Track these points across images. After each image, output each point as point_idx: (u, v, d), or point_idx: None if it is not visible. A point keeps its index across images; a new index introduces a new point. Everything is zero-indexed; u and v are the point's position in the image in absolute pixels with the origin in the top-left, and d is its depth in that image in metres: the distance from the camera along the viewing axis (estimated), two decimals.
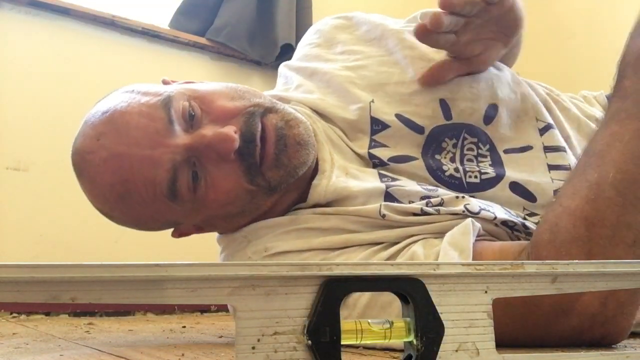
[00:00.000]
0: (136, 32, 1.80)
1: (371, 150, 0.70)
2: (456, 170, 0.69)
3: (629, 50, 0.59)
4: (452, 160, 0.70)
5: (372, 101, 0.72)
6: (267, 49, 1.94)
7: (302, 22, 1.99)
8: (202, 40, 1.91)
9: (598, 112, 0.84)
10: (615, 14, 1.96)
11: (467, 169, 0.69)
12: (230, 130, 0.61)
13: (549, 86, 0.85)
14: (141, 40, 1.82)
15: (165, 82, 0.71)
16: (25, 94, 1.60)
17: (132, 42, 1.80)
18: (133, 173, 0.60)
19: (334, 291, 0.32)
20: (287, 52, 1.87)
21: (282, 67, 0.86)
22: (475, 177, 0.69)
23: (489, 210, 0.63)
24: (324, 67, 0.78)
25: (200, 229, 0.71)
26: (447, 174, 0.69)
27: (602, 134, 0.55)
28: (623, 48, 0.60)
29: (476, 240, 0.59)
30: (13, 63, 1.60)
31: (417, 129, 0.71)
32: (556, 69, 2.05)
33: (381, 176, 0.68)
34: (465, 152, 0.71)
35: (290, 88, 0.80)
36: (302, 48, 0.85)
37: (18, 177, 1.55)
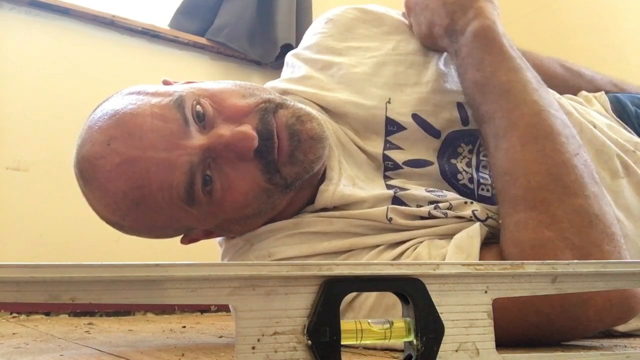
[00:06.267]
0: (136, 32, 1.80)
1: (386, 152, 0.69)
2: (470, 180, 0.68)
3: (466, 84, 0.67)
4: (469, 165, 0.69)
5: (389, 101, 0.70)
6: (267, 49, 1.94)
7: (302, 22, 1.99)
8: (202, 40, 1.91)
9: (597, 115, 0.83)
10: (616, 14, 1.96)
11: (481, 181, 0.67)
12: (248, 128, 0.59)
13: (550, 89, 0.84)
14: (141, 40, 1.82)
15: (165, 83, 0.69)
16: (25, 94, 1.60)
17: (132, 42, 1.80)
18: (149, 178, 0.57)
19: (334, 291, 0.32)
20: (287, 52, 1.87)
21: (290, 57, 0.82)
22: (487, 190, 0.68)
23: (496, 220, 0.63)
24: (338, 61, 0.75)
25: (210, 233, 0.68)
26: (461, 182, 0.68)
27: (499, 155, 0.61)
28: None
29: (484, 244, 0.59)
30: (13, 63, 1.60)
31: (434, 132, 0.70)
32: None
33: (389, 187, 0.67)
34: (482, 158, 0.70)
35: (294, 78, 0.77)
36: (312, 37, 0.81)
37: (18, 177, 1.55)
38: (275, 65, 1.97)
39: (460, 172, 0.68)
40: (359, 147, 0.71)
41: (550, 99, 0.64)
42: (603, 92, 0.91)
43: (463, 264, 0.36)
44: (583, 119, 0.78)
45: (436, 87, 0.71)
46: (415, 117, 0.70)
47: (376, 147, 0.70)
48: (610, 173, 0.73)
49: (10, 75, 1.59)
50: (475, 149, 0.70)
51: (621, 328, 0.63)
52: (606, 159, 0.74)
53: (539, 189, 0.57)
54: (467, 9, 0.68)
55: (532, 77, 0.64)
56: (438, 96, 0.71)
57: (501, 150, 0.61)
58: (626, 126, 0.84)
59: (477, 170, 0.69)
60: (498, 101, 0.63)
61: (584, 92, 0.92)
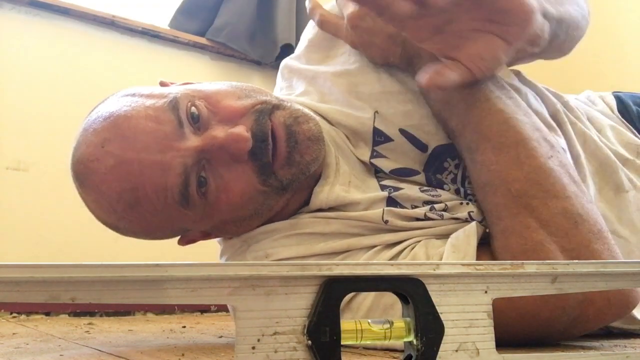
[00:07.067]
0: (136, 32, 1.80)
1: (373, 160, 0.68)
2: (457, 191, 0.67)
3: (431, 102, 0.67)
4: (454, 181, 0.68)
5: (377, 112, 0.69)
6: (267, 49, 1.94)
7: (302, 22, 1.99)
8: (202, 40, 1.91)
9: (601, 117, 0.83)
10: (616, 13, 1.96)
11: (469, 192, 0.67)
12: (242, 130, 0.59)
13: (558, 92, 0.80)
14: (141, 40, 1.82)
15: (162, 84, 0.69)
16: (25, 94, 1.60)
17: (132, 42, 1.80)
18: (143, 180, 0.57)
19: (334, 291, 0.32)
20: (287, 52, 1.87)
21: (284, 68, 0.82)
22: (475, 201, 0.66)
23: None
24: (324, 70, 0.74)
25: (207, 235, 0.68)
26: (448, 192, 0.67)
27: (476, 167, 0.62)
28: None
29: (480, 244, 0.59)
30: (13, 63, 1.60)
31: (421, 146, 0.69)
32: (556, 69, 2.04)
33: (383, 187, 0.66)
34: (467, 174, 0.68)
35: (293, 94, 0.77)
36: (302, 43, 0.81)
37: (18, 177, 1.55)
38: (275, 65, 1.97)
39: (447, 184, 0.67)
40: (351, 152, 0.70)
41: (516, 104, 0.63)
42: (610, 93, 0.90)
43: (463, 264, 0.36)
44: (586, 129, 0.76)
45: (422, 99, 0.69)
46: (402, 131, 0.69)
47: (364, 155, 0.69)
48: (614, 188, 0.72)
49: (10, 75, 1.58)
50: (461, 164, 0.68)
51: (622, 325, 0.63)
52: (610, 172, 0.73)
53: (520, 195, 0.57)
54: None
55: (492, 85, 0.64)
56: (424, 108, 0.69)
57: (477, 163, 0.62)
58: (630, 126, 0.84)
59: (463, 185, 0.68)
60: (464, 115, 0.63)
61: (588, 92, 0.92)
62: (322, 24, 0.74)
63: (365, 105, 0.70)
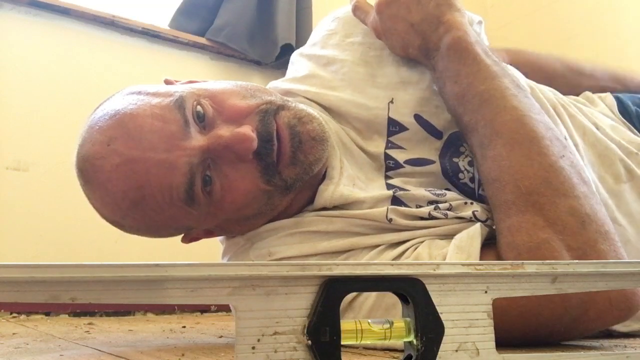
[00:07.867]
0: (136, 32, 1.80)
1: (387, 151, 0.69)
2: (472, 180, 0.67)
3: (446, 96, 0.67)
4: (471, 164, 0.68)
5: (391, 101, 0.70)
6: (267, 49, 1.94)
7: (302, 22, 1.99)
8: (202, 40, 1.91)
9: (601, 116, 0.83)
10: (616, 14, 1.96)
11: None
12: (248, 129, 0.59)
13: (553, 89, 0.83)
14: (141, 40, 1.82)
15: (167, 82, 0.69)
16: (25, 94, 1.60)
17: (132, 42, 1.80)
18: (148, 178, 0.57)
19: (334, 291, 0.32)
20: (287, 52, 1.87)
21: (295, 55, 0.82)
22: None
23: None
24: (342, 57, 0.75)
25: (210, 233, 0.69)
26: (462, 181, 0.68)
27: (486, 163, 0.62)
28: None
29: (484, 245, 0.59)
30: (13, 63, 1.60)
31: (436, 133, 0.69)
32: None
33: (389, 187, 0.67)
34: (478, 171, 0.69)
35: (297, 77, 0.77)
36: (318, 33, 0.82)
37: (18, 177, 1.55)
38: (275, 65, 1.97)
39: (462, 172, 0.68)
40: (360, 148, 0.71)
41: (531, 103, 0.64)
42: (609, 94, 0.91)
43: (463, 264, 0.36)
44: (586, 122, 0.77)
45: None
46: (417, 117, 0.70)
47: (378, 146, 0.69)
48: (613, 177, 0.73)
49: (10, 75, 1.59)
50: None
51: (622, 328, 0.63)
52: (609, 164, 0.74)
53: (529, 192, 0.57)
54: (436, 25, 0.68)
55: (509, 83, 0.64)
56: (440, 97, 0.70)
57: (488, 159, 0.62)
58: (630, 127, 0.84)
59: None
60: (479, 111, 0.63)
61: (587, 93, 0.92)
62: (355, 9, 0.77)
63: (381, 94, 0.71)
